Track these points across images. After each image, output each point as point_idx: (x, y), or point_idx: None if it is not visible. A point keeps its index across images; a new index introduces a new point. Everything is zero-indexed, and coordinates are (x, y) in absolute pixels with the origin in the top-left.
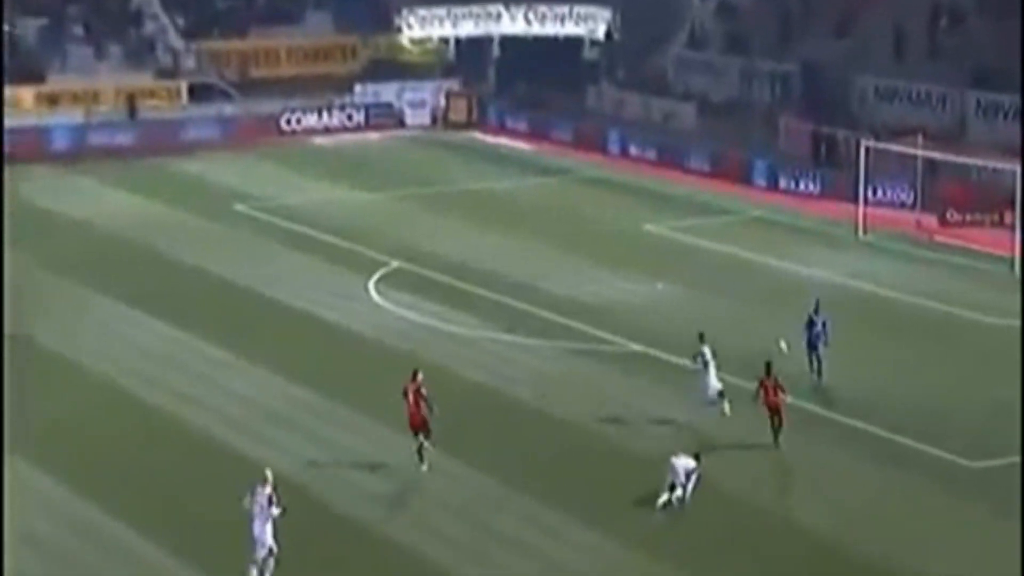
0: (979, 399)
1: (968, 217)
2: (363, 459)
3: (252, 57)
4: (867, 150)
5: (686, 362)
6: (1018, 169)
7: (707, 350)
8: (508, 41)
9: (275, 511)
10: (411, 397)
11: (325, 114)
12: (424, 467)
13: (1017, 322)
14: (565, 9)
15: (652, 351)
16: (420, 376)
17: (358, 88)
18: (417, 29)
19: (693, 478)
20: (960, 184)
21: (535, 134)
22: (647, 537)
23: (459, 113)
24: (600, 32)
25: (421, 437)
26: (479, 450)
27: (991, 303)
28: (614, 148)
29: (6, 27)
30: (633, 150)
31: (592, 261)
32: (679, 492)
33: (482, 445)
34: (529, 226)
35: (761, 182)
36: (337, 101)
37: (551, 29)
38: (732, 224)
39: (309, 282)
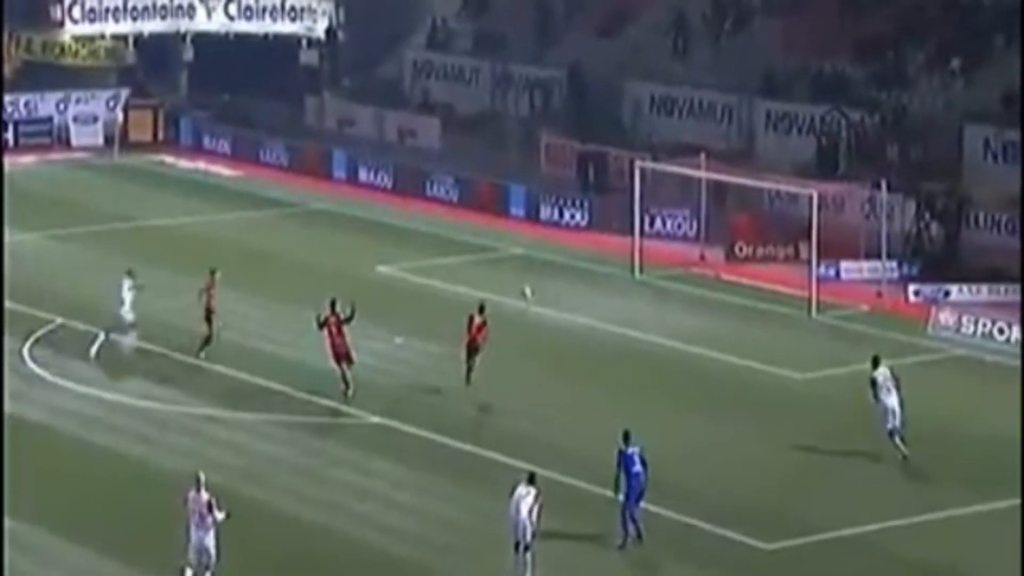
0: (774, 469)
1: (759, 251)
2: None
3: None
4: (642, 172)
5: (433, 435)
6: (814, 195)
7: (885, 373)
8: (204, 41)
9: (219, 515)
10: (333, 328)
11: None
12: (350, 392)
13: (819, 374)
14: (276, 1)
15: (392, 423)
16: (339, 306)
17: (6, 99)
18: (85, 24)
19: (536, 508)
20: (750, 212)
21: (240, 156)
22: None
23: (142, 131)
24: (320, 30)
25: (344, 365)
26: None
27: (787, 353)
28: (340, 173)
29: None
30: (363, 175)
31: (314, 312)
32: (528, 546)
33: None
34: (235, 271)
35: (519, 212)
36: None
37: (259, 26)
38: (485, 264)
39: None
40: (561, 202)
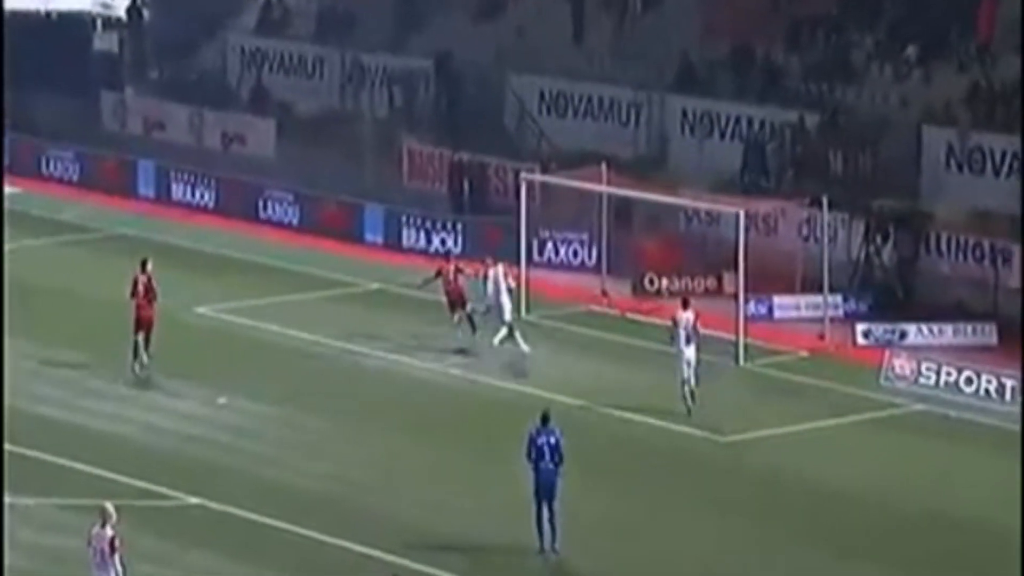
0: (690, 552)
1: (673, 283)
2: None
3: None
4: (530, 187)
5: (265, 518)
6: (740, 214)
7: (689, 319)
8: None
9: (118, 564)
10: (140, 291)
11: None
12: (140, 369)
13: (746, 436)
14: None
15: (215, 504)
16: (150, 266)
17: None
18: None
19: None
20: (662, 235)
21: (17, 169)
22: None
23: None
24: (120, 8)
25: (143, 336)
26: None
27: (708, 410)
28: (147, 189)
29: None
30: (177, 192)
31: (116, 368)
32: None
33: None
34: (14, 317)
35: (376, 238)
36: None
37: (39, 1)
38: (332, 302)
39: None
40: (428, 225)
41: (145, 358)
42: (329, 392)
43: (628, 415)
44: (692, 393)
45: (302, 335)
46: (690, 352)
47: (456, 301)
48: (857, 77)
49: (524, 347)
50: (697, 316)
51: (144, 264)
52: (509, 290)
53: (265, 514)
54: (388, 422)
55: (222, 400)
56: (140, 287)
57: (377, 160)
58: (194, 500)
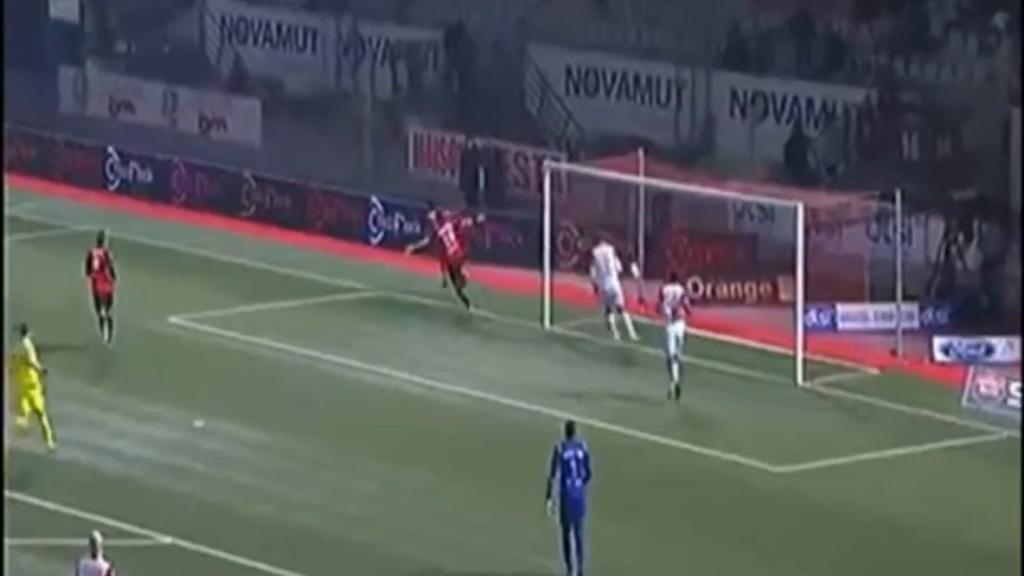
0: None
1: (721, 289)
2: None
3: None
4: (555, 177)
5: (238, 559)
6: (799, 208)
7: (675, 293)
8: None
9: None
10: (96, 264)
11: None
12: (107, 341)
13: (805, 467)
14: None
15: (192, 544)
16: (107, 242)
17: None
18: None
19: None
20: (707, 234)
21: None
22: None
23: None
24: None
25: (104, 310)
26: None
27: (760, 436)
28: (113, 180)
29: None
30: (148, 183)
31: (82, 387)
32: None
33: None
34: None
35: (376, 235)
36: None
37: None
38: (325, 310)
39: None
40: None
41: (112, 337)
42: (320, 413)
43: (668, 441)
44: (678, 370)
45: (290, 348)
46: (677, 328)
47: (456, 266)
48: (936, 50)
49: (617, 334)
50: (685, 292)
51: (100, 238)
52: (619, 273)
53: (246, 555)
54: (385, 447)
55: (199, 423)
56: (96, 261)
57: (378, 146)
58: (167, 539)
